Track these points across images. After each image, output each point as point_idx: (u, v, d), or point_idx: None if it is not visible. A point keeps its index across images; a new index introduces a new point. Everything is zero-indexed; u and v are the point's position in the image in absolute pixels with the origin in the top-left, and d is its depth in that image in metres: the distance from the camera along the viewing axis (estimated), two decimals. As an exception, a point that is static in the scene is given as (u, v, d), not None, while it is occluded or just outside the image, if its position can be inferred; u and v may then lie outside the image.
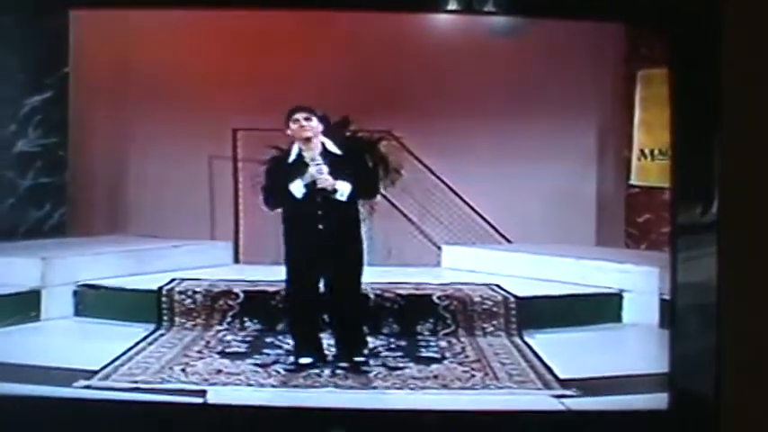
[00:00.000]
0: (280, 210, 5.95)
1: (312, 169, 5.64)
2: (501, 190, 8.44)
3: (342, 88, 7.76)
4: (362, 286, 5.99)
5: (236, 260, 8.24)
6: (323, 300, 5.99)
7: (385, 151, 8.10)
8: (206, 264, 7.71)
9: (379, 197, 7.67)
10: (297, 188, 5.75)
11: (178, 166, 8.40)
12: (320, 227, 5.72)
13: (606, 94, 8.43)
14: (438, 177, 8.60)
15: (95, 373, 5.70)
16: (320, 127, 5.77)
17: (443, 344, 6.45)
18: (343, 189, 5.68)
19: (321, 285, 5.98)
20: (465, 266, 7.84)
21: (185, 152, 8.38)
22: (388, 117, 7.99)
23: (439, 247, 8.44)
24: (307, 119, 5.66)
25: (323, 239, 5.76)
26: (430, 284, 7.07)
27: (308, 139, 5.68)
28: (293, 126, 5.71)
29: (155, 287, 6.88)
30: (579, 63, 8.15)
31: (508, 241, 8.65)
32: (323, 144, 5.74)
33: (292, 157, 5.79)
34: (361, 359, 6.00)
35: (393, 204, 8.40)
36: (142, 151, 8.58)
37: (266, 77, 8.01)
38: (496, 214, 8.68)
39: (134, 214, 8.63)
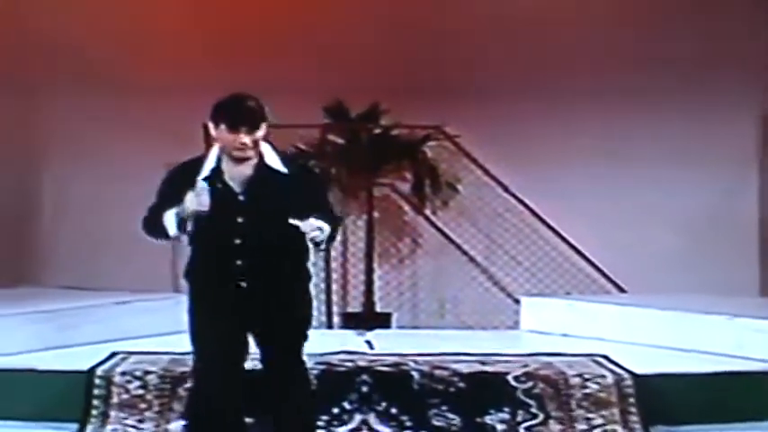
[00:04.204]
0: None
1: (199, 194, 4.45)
2: (611, 213, 7.67)
3: (367, 60, 7.26)
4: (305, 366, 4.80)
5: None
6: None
7: (433, 156, 7.53)
8: (166, 329, 6.62)
9: (426, 225, 7.70)
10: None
11: (120, 178, 7.63)
12: (242, 284, 4.58)
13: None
14: (512, 195, 7.82)
15: None
16: (262, 134, 4.63)
17: (526, 446, 5.69)
18: (321, 229, 4.43)
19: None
20: (556, 329, 6.94)
21: (131, 159, 7.64)
22: (438, 107, 7.34)
23: (517, 300, 7.68)
24: (250, 131, 4.44)
25: (246, 302, 4.61)
26: (503, 356, 6.19)
27: (243, 159, 4.61)
28: (227, 136, 4.48)
29: (84, 367, 5.82)
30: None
31: (622, 290, 7.94)
32: (261, 157, 4.60)
33: (206, 172, 4.61)
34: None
35: (446, 236, 7.81)
36: (62, 158, 7.86)
37: (260, 43, 7.48)
38: (604, 250, 7.83)
39: (51, 255, 7.82)
